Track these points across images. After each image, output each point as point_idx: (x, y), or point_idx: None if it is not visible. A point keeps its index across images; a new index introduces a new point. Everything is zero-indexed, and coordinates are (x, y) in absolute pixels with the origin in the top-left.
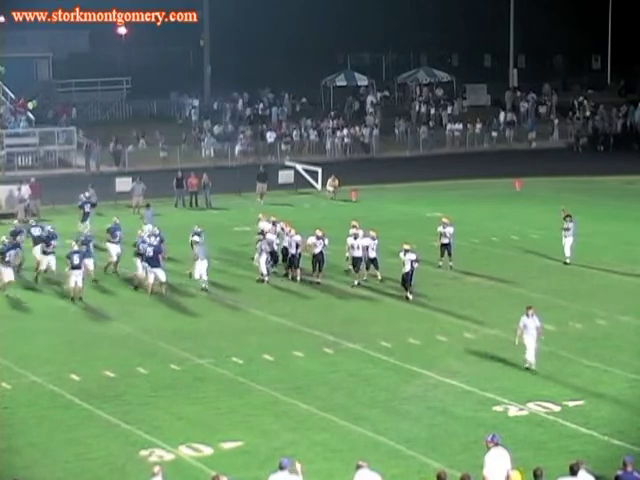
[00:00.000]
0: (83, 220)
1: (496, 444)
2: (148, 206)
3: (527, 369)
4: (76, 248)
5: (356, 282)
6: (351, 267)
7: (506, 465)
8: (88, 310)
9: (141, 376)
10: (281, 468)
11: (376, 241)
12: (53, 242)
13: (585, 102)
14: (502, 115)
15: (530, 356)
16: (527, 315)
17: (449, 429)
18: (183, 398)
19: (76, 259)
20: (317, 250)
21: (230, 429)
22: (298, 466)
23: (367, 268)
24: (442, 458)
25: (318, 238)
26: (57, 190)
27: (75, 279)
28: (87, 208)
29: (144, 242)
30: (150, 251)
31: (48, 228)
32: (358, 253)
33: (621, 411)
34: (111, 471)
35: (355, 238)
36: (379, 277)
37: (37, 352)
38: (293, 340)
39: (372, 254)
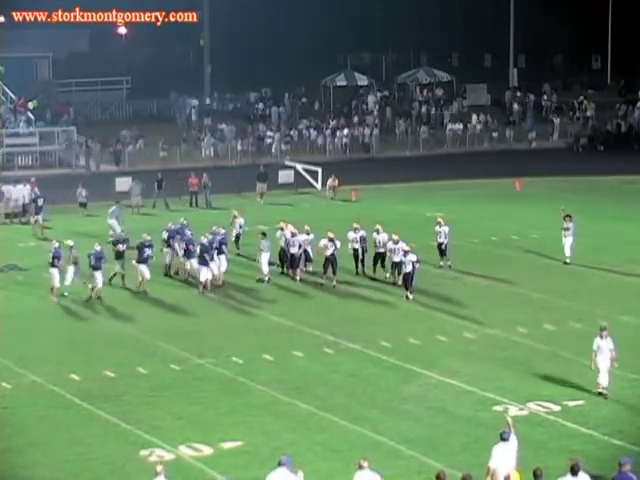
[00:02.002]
0: (36, 213)
1: (504, 439)
2: (118, 203)
3: (600, 394)
4: (98, 249)
5: (388, 275)
6: (373, 264)
7: (511, 462)
8: (88, 310)
9: (141, 376)
10: (280, 465)
11: (400, 244)
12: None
13: (585, 102)
14: (474, 117)
15: (603, 380)
16: (601, 337)
17: (449, 429)
18: (183, 398)
19: (92, 260)
20: (329, 252)
21: (230, 429)
22: (300, 474)
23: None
24: (442, 458)
25: (330, 240)
26: (57, 190)
27: (94, 280)
28: (40, 202)
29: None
30: (197, 250)
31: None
32: (381, 249)
33: (621, 411)
34: (111, 471)
35: (378, 233)
36: (399, 282)
37: (37, 352)
38: (293, 340)
39: (397, 258)
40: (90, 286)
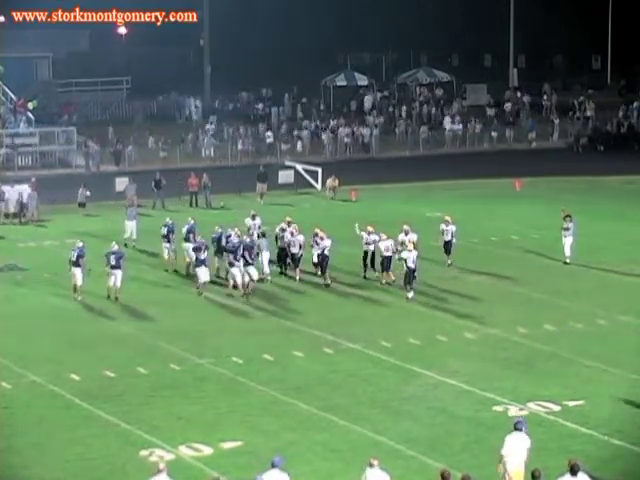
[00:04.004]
0: None
1: (518, 429)
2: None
3: None
4: (115, 248)
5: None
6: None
7: (522, 452)
8: (88, 310)
9: (141, 376)
10: (273, 466)
11: (390, 241)
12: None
13: (585, 102)
14: (447, 120)
15: None
16: None
17: (449, 429)
18: (183, 398)
19: (113, 259)
20: (318, 251)
21: (230, 429)
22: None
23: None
24: (442, 458)
25: (320, 239)
26: (57, 190)
27: (114, 278)
28: None
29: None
30: (240, 250)
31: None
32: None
33: (621, 411)
34: (111, 471)
35: (406, 234)
36: (390, 278)
37: (37, 352)
38: (293, 340)
39: (412, 265)
40: None
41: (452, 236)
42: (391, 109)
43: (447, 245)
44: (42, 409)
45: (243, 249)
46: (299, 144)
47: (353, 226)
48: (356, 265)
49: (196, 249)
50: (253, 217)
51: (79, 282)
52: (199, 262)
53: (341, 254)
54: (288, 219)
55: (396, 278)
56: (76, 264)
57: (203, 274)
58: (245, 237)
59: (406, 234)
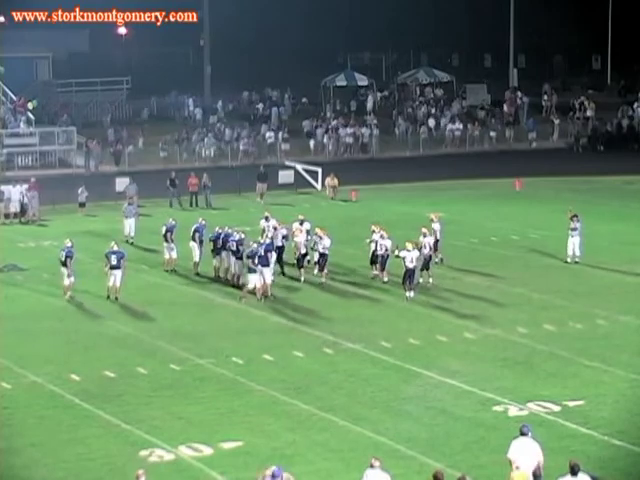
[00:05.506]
0: None
1: (523, 434)
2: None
3: None
4: (115, 248)
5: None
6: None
7: (530, 457)
8: (88, 310)
9: (141, 376)
10: (274, 477)
11: (386, 240)
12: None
13: (586, 102)
14: (431, 121)
15: None
16: None
17: (449, 429)
18: (183, 398)
19: (113, 259)
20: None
21: (230, 429)
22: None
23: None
24: (442, 458)
25: (320, 238)
26: (57, 190)
27: (113, 279)
28: None
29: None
30: (261, 250)
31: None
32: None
33: (621, 411)
34: (111, 471)
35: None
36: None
37: (37, 352)
38: (293, 340)
39: (411, 265)
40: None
41: (437, 233)
42: (401, 110)
43: (436, 243)
44: (42, 409)
45: (265, 251)
46: (312, 142)
47: (353, 226)
48: (356, 265)
49: (249, 257)
50: (266, 219)
51: (66, 282)
52: (250, 270)
53: (342, 254)
54: (301, 217)
55: (389, 279)
56: (64, 264)
57: (253, 281)
58: (261, 240)
59: (424, 237)
